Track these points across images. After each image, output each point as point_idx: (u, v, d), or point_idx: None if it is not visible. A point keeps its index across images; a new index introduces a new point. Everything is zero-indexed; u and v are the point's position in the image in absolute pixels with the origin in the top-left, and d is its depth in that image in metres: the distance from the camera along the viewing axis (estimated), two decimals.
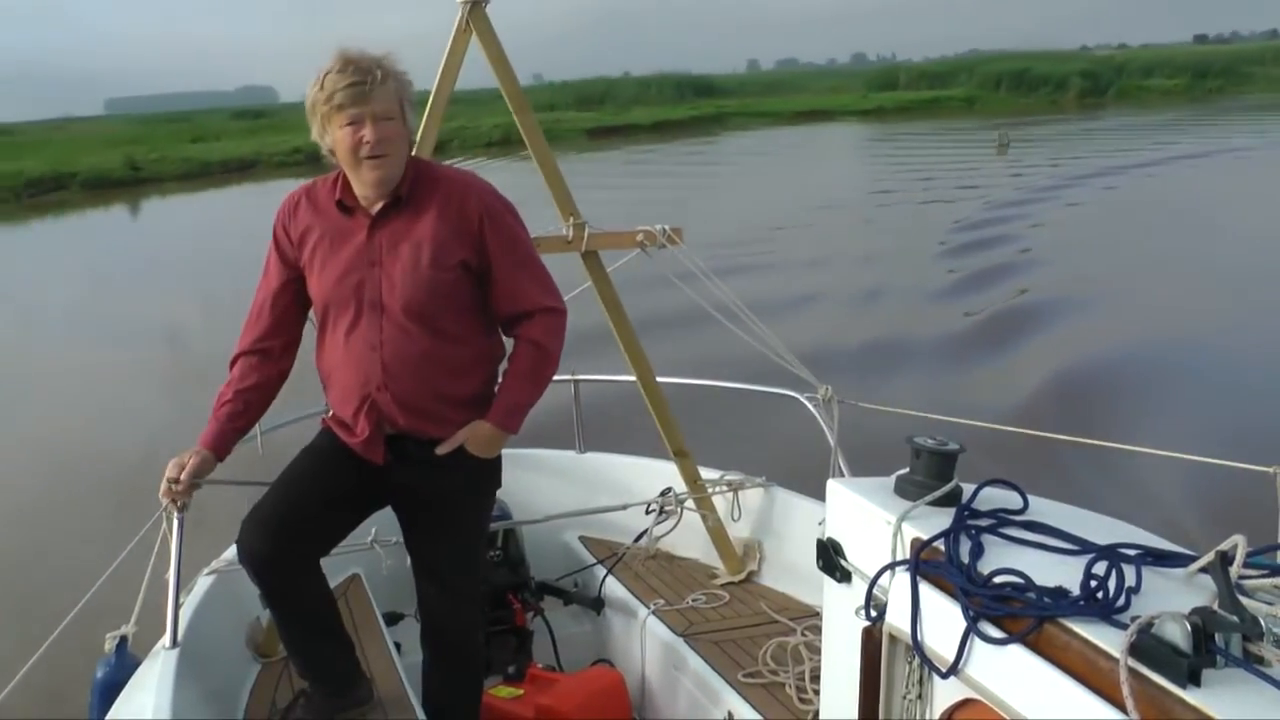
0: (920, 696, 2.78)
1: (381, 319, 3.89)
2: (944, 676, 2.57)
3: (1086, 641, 2.23)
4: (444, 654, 4.30)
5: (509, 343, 4.15)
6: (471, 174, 4.08)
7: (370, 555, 5.13)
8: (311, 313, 4.14)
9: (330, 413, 4.17)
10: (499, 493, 4.45)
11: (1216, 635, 2.08)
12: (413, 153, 4.14)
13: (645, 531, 6.08)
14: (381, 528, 4.70)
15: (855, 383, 10.15)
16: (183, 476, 3.97)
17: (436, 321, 3.91)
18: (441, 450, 3.98)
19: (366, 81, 3.76)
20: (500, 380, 4.11)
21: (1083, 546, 2.61)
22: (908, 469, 3.04)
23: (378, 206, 3.92)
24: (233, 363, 4.17)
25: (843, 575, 3.12)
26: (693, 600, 5.59)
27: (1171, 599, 2.31)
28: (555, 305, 4.08)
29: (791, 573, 5.66)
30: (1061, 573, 2.45)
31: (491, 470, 4.19)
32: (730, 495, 5.96)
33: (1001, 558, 2.61)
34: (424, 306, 3.87)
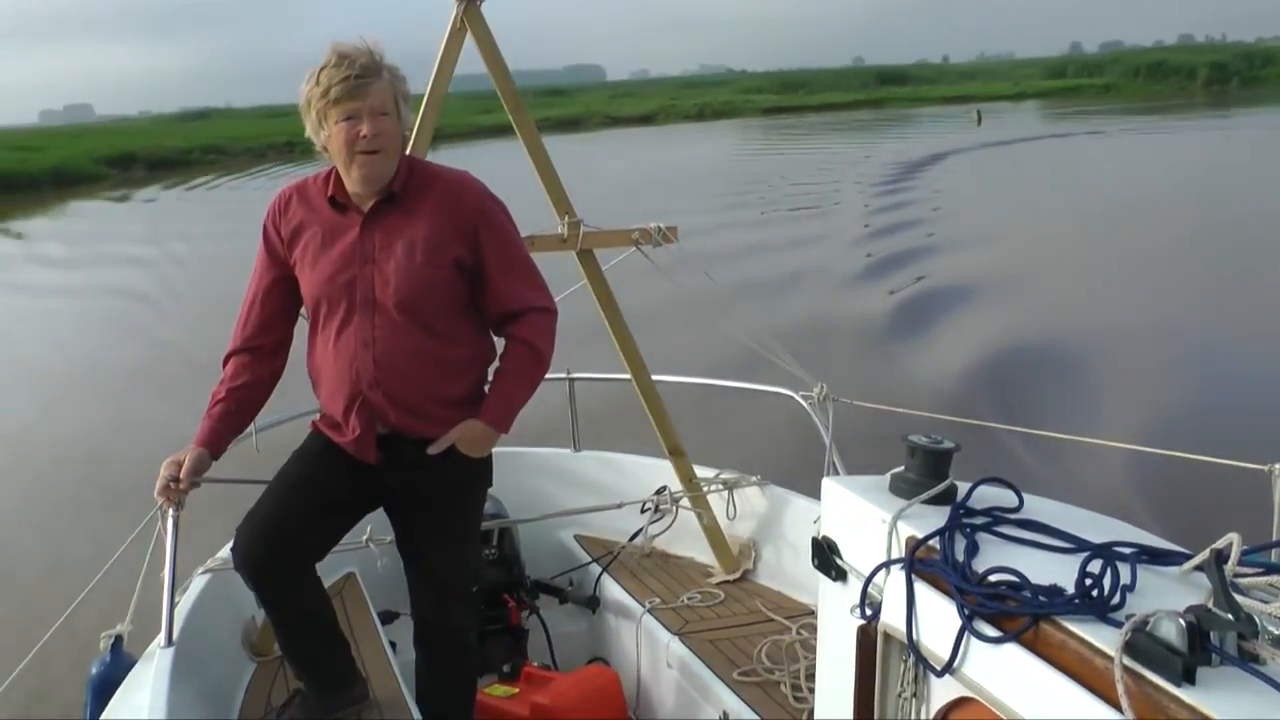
0: (915, 695, 2.78)
1: (374, 316, 3.88)
2: (939, 675, 2.57)
3: (1082, 640, 2.23)
4: (437, 653, 4.29)
5: (500, 344, 4.14)
6: (466, 173, 4.06)
7: (365, 554, 5.13)
8: (304, 310, 4.13)
9: (321, 414, 4.17)
10: (494, 491, 4.44)
11: (1211, 633, 2.08)
12: (408, 151, 4.14)
13: (640, 530, 6.09)
14: (377, 526, 4.70)
15: None
16: (182, 475, 3.96)
17: (429, 319, 3.90)
18: (433, 450, 3.97)
19: (364, 76, 3.76)
20: (491, 380, 4.11)
21: (1078, 545, 2.61)
22: (903, 467, 3.04)
23: (370, 203, 3.91)
24: (225, 361, 4.16)
25: (838, 573, 3.12)
26: (688, 599, 5.59)
27: (1167, 597, 2.31)
28: (546, 305, 4.08)
29: (787, 571, 5.66)
30: (1057, 571, 2.45)
31: (482, 470, 4.17)
32: (725, 494, 5.96)
33: (997, 556, 2.61)
34: (417, 304, 3.86)
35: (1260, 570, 2.39)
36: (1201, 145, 51.00)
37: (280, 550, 3.99)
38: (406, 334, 3.88)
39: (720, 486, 5.97)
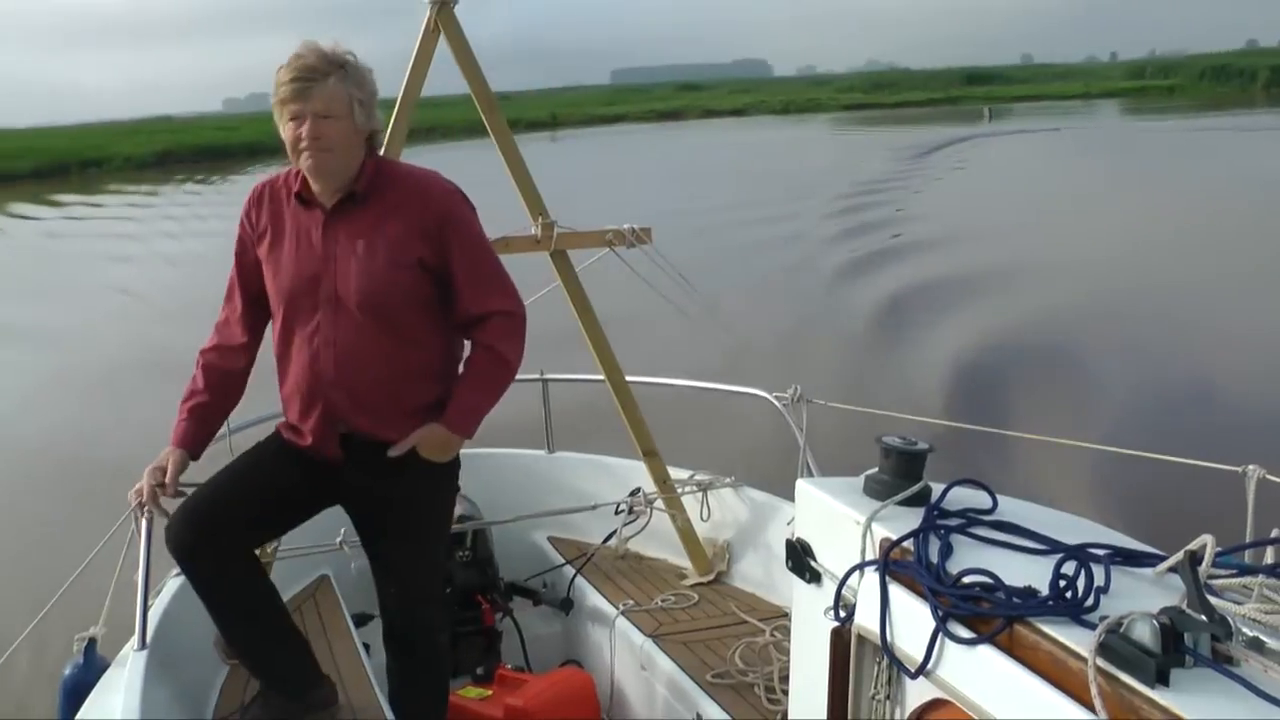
0: (889, 697, 2.78)
1: (336, 315, 3.86)
2: (913, 677, 2.57)
3: (1055, 641, 2.24)
4: (406, 656, 4.27)
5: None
6: (435, 174, 4.03)
7: (339, 556, 5.11)
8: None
9: (284, 416, 4.15)
10: (468, 493, 4.42)
11: (1185, 635, 2.09)
12: (381, 151, 4.12)
13: (614, 532, 6.07)
14: (350, 529, 4.68)
15: None
16: (168, 480, 3.96)
17: (392, 319, 3.87)
18: (394, 452, 3.93)
19: (308, 79, 3.75)
20: (456, 385, 4.08)
21: (1052, 546, 2.62)
22: (877, 469, 3.04)
23: (334, 201, 3.90)
24: (199, 357, 4.15)
25: (812, 575, 3.12)
26: (662, 601, 5.59)
27: (1140, 599, 2.31)
28: (512, 309, 4.02)
29: (760, 573, 5.65)
30: (1031, 573, 2.45)
31: (447, 472, 4.14)
32: (699, 495, 5.96)
33: (971, 558, 2.61)
34: (379, 303, 3.84)
35: (1234, 572, 2.39)
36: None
37: (206, 531, 3.93)
38: (368, 334, 3.86)
39: (694, 488, 5.96)
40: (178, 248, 31.45)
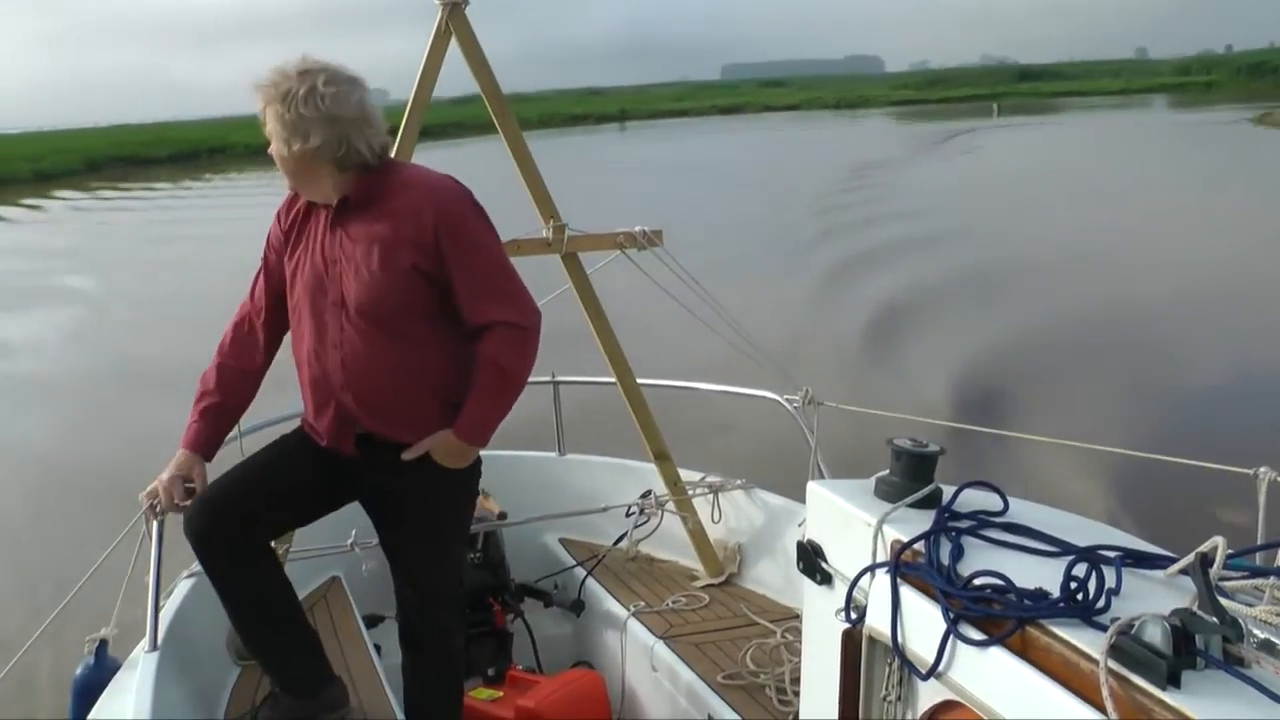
0: (900, 699, 2.78)
1: (342, 318, 3.88)
2: (924, 678, 2.57)
3: (1066, 643, 2.23)
4: (421, 656, 4.27)
5: None
6: (445, 179, 4.01)
7: (350, 558, 5.12)
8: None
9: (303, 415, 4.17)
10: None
11: (1196, 637, 2.08)
12: (392, 154, 4.13)
13: (625, 534, 6.08)
14: (361, 530, 4.69)
15: None
16: (196, 488, 4.02)
17: (392, 323, 3.87)
18: (407, 456, 3.94)
19: (261, 104, 3.84)
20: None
21: (1063, 548, 2.62)
22: (888, 470, 3.04)
23: (333, 206, 3.93)
24: (214, 356, 4.17)
25: (823, 577, 3.12)
26: (673, 602, 5.59)
27: (1151, 601, 2.31)
28: (516, 320, 3.96)
29: (771, 575, 5.66)
30: (1042, 574, 2.45)
31: (465, 475, 4.13)
32: (710, 497, 5.96)
33: (982, 559, 2.61)
34: (376, 308, 3.84)
35: (1245, 574, 2.39)
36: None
37: (221, 520, 3.96)
38: (369, 338, 3.87)
39: (705, 490, 5.96)
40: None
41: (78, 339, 21.11)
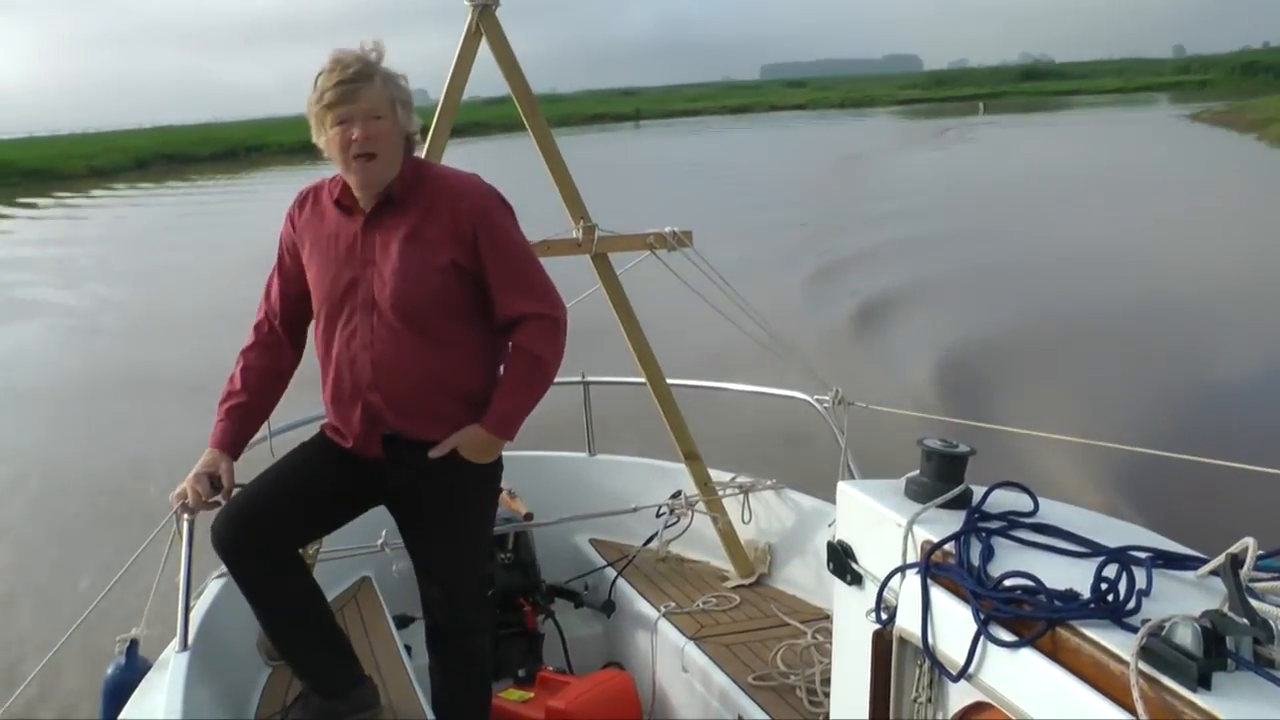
0: (931, 700, 2.77)
1: (373, 318, 3.90)
2: (955, 680, 2.57)
3: (1097, 644, 2.23)
4: (448, 657, 4.29)
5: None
6: (474, 177, 4.06)
7: (381, 558, 5.14)
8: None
9: (327, 418, 4.18)
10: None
11: (1227, 638, 2.07)
12: (423, 154, 4.15)
13: (655, 534, 6.08)
14: (392, 530, 4.70)
15: None
16: (225, 488, 4.05)
17: (427, 322, 3.90)
18: (434, 454, 3.97)
19: (355, 80, 3.79)
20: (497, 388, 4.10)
21: (1093, 549, 2.61)
22: (918, 471, 3.03)
23: (372, 205, 3.94)
24: (239, 358, 4.19)
25: (853, 578, 3.12)
26: (703, 603, 5.58)
27: (1182, 602, 2.30)
28: (548, 312, 4.02)
29: (802, 575, 5.65)
30: (1072, 575, 2.44)
31: (489, 473, 4.16)
32: (740, 497, 5.96)
33: (1012, 560, 2.60)
34: (413, 307, 3.87)
35: (1276, 575, 2.38)
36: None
37: (250, 529, 3.98)
38: (404, 337, 3.89)
39: (735, 490, 5.96)
40: None
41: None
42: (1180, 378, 13.50)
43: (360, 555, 5.22)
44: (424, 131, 4.49)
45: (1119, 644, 2.19)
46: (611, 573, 6.00)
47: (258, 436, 4.31)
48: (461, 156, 4.91)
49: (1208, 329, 15.65)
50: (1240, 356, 14.22)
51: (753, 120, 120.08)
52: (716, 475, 5.94)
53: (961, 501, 2.91)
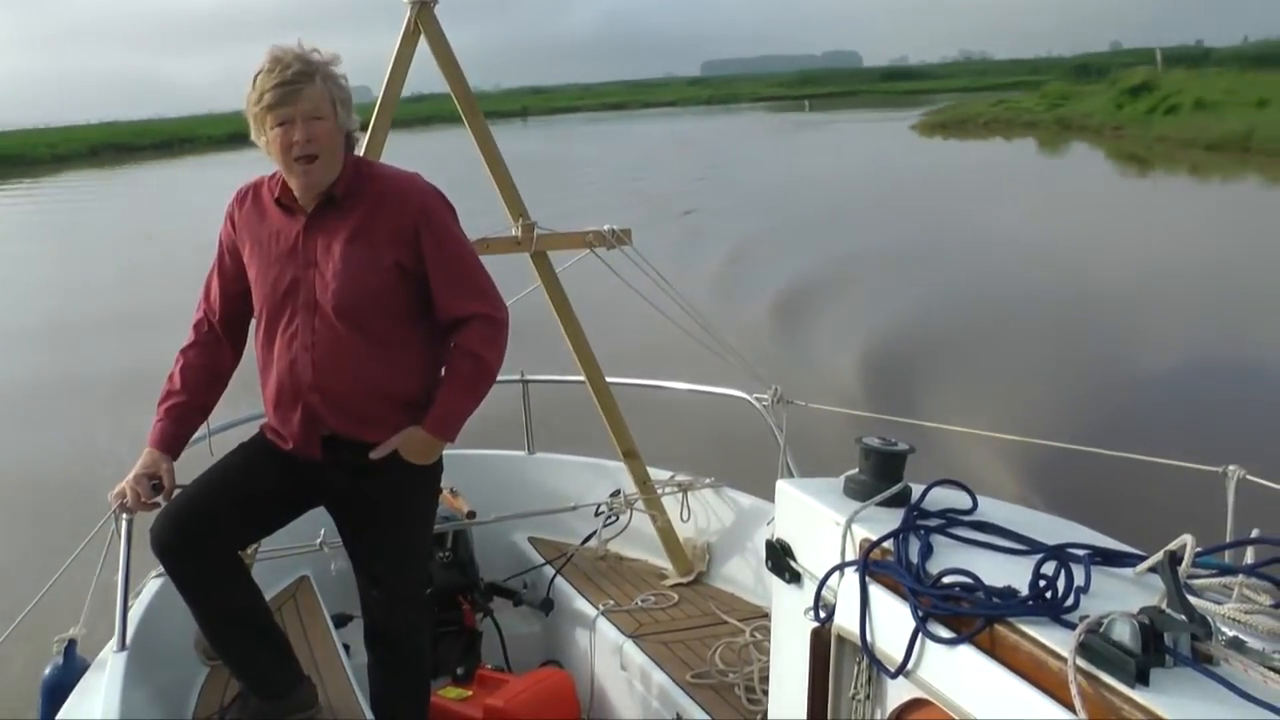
0: (869, 697, 2.78)
1: (315, 319, 3.86)
2: (893, 677, 2.57)
3: (1035, 641, 2.24)
4: (387, 656, 4.26)
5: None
6: (415, 176, 4.03)
7: (319, 557, 5.11)
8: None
9: (266, 418, 4.14)
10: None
11: (1165, 635, 2.09)
12: (360, 153, 4.11)
13: (594, 533, 6.07)
14: (330, 529, 4.67)
15: None
16: (166, 488, 3.99)
17: (369, 323, 3.87)
18: (375, 455, 3.93)
19: (295, 82, 3.74)
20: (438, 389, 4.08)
21: (1032, 546, 2.62)
22: (857, 469, 3.04)
23: (313, 205, 3.90)
24: (178, 357, 4.14)
25: (792, 576, 3.12)
26: (642, 601, 5.58)
27: (1120, 599, 2.31)
28: (491, 312, 3.99)
29: (741, 573, 5.65)
30: (1010, 573, 2.46)
31: (429, 475, 4.13)
32: (679, 496, 5.95)
33: (951, 558, 2.61)
34: (355, 308, 3.84)
35: (1214, 572, 2.40)
36: None
37: (187, 531, 3.93)
38: (345, 338, 3.86)
39: (674, 489, 5.96)
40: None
41: None
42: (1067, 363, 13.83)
43: (299, 554, 5.19)
44: (364, 127, 4.45)
45: (1057, 641, 2.20)
46: (550, 571, 5.98)
47: (196, 435, 4.26)
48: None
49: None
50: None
51: (626, 116, 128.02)
52: (655, 474, 5.93)
53: (900, 499, 2.92)
